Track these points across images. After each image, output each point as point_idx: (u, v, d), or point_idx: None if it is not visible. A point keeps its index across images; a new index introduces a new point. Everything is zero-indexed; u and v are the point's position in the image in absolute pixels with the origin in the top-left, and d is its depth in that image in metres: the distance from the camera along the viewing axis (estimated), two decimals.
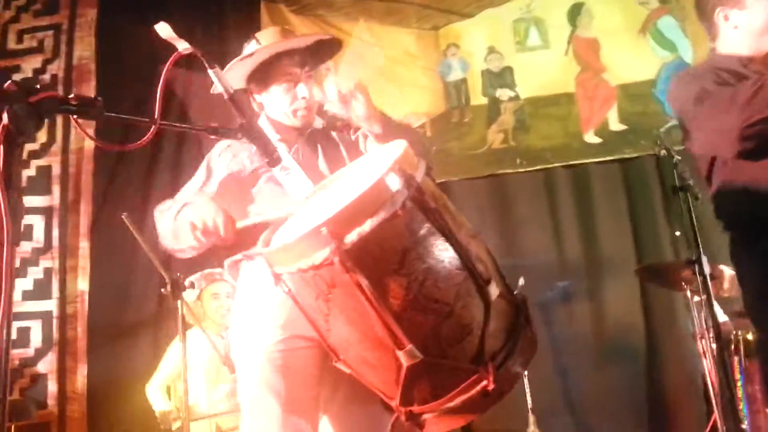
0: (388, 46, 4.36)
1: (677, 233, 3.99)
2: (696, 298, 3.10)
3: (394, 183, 1.27)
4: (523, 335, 1.39)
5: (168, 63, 1.40)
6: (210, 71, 1.46)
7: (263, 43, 1.93)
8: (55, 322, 4.23)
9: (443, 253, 1.30)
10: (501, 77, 4.30)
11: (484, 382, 1.31)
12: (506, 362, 1.35)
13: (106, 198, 4.37)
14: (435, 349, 1.30)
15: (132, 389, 3.89)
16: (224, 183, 1.87)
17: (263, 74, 1.92)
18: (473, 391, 1.31)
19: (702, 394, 3.54)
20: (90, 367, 4.11)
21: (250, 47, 1.91)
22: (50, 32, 4.77)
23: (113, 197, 4.36)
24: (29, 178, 4.42)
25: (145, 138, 1.34)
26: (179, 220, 1.76)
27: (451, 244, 1.31)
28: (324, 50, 1.98)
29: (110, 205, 4.35)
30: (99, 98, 1.20)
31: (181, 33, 4.57)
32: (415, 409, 1.37)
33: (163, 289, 2.71)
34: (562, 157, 4.14)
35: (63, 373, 4.16)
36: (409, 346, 1.28)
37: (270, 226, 1.76)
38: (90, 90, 4.55)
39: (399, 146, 1.39)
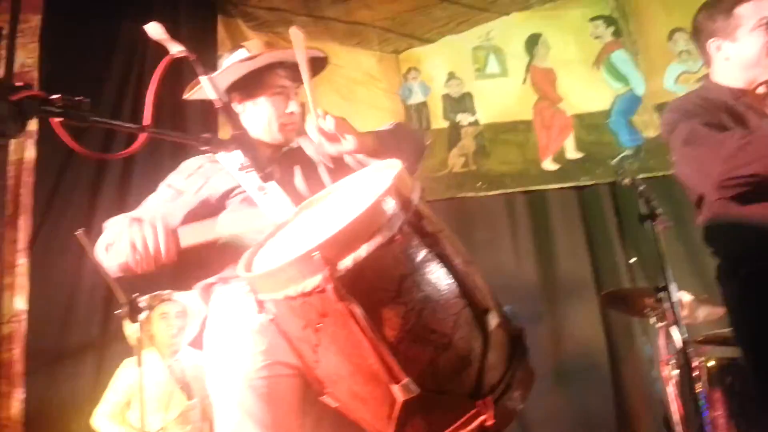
0: (350, 67, 4.33)
1: (632, 260, 4.09)
2: (658, 324, 3.16)
3: (391, 206, 1.22)
4: (521, 367, 1.35)
5: (161, 65, 1.34)
6: (202, 78, 1.40)
7: (254, 52, 1.85)
8: None
9: (441, 281, 1.25)
10: (461, 102, 4.33)
11: (483, 417, 1.26)
12: (504, 396, 1.30)
13: (48, 212, 4.14)
14: (432, 382, 1.24)
15: (73, 416, 3.67)
16: (193, 212, 1.76)
17: (253, 84, 1.84)
18: (471, 427, 1.26)
19: (661, 419, 3.60)
20: (28, 392, 3.84)
21: (238, 54, 1.83)
22: None
23: (55, 212, 4.14)
24: None
25: (134, 146, 1.26)
26: (118, 233, 1.65)
27: (449, 271, 1.26)
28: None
29: (52, 221, 4.13)
30: (86, 99, 1.12)
31: (132, 43, 4.39)
32: None
33: (118, 311, 2.55)
34: (520, 182, 4.18)
35: None
36: (405, 380, 1.21)
37: (219, 243, 1.69)
38: None
39: (394, 167, 1.33)
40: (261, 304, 1.32)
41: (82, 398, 3.73)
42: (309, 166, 1.86)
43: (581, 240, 4.15)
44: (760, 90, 1.97)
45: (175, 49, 1.41)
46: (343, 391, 1.32)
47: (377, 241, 1.18)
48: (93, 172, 4.22)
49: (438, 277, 1.25)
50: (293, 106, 1.84)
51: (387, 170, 1.37)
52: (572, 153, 4.26)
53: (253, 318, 1.59)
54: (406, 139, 1.87)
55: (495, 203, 4.19)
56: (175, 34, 4.59)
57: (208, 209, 1.77)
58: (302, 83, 1.85)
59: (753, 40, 1.95)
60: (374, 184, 1.36)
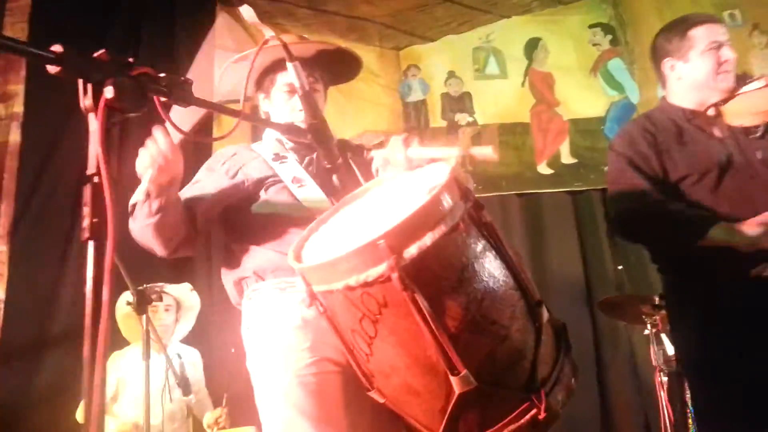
0: None
1: (619, 267, 4.14)
2: (646, 332, 3.19)
3: (453, 195, 1.20)
4: (567, 362, 1.33)
5: (257, 48, 1.34)
6: (289, 64, 1.39)
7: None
8: None
9: (498, 271, 1.23)
10: (460, 102, 4.33)
11: (534, 411, 1.23)
12: (554, 390, 1.28)
13: (31, 200, 3.99)
14: (488, 374, 1.20)
15: (50, 409, 3.54)
16: (225, 192, 1.72)
17: (266, 79, 1.81)
18: (522, 421, 1.23)
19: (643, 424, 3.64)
20: (1, 382, 3.68)
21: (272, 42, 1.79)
22: None
23: (40, 198, 3.99)
24: None
25: (230, 131, 1.24)
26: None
27: (505, 262, 1.24)
28: (336, 65, 1.87)
29: (35, 208, 3.98)
30: (189, 79, 1.08)
31: (126, 29, 4.28)
32: None
33: (126, 302, 2.46)
34: (515, 185, 4.19)
35: None
36: (465, 372, 1.18)
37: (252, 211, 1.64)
38: (19, 81, 4.18)
39: (449, 158, 1.31)
40: (313, 297, 1.27)
41: (59, 390, 3.60)
42: (345, 162, 1.83)
43: (573, 244, 4.17)
44: (710, 112, 2.08)
45: (268, 33, 1.41)
46: (396, 385, 1.28)
47: (441, 230, 1.15)
48: (81, 158, 4.06)
49: (496, 268, 1.22)
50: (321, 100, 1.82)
51: (442, 164, 1.34)
52: (567, 158, 4.29)
53: (293, 314, 1.56)
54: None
55: (490, 205, 4.14)
56: (172, 22, 4.51)
57: (243, 193, 1.72)
58: (324, 80, 1.84)
59: (704, 61, 2.07)
60: (425, 178, 1.33)
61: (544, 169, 4.27)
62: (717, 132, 2.08)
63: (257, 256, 1.67)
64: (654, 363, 3.01)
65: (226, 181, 1.74)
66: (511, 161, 4.24)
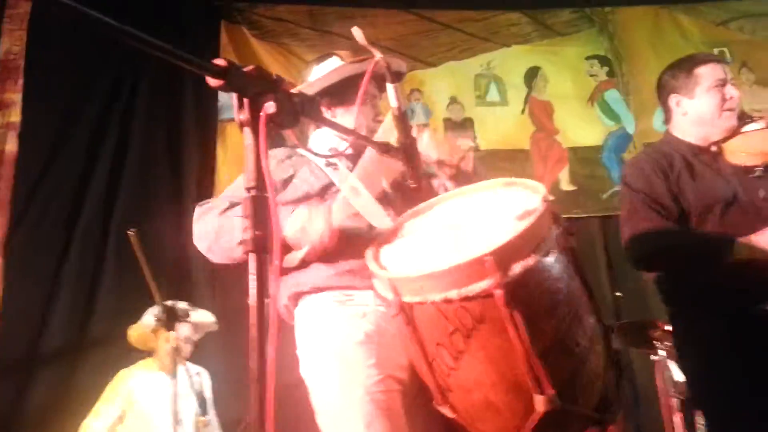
0: None
1: (617, 294, 4.20)
2: (654, 357, 3.25)
3: (549, 219, 1.23)
4: (621, 386, 1.37)
5: (368, 70, 1.37)
6: (389, 85, 1.42)
7: (346, 60, 1.84)
8: None
9: (582, 295, 1.27)
10: (462, 127, 4.39)
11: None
12: (616, 411, 1.31)
13: (27, 211, 3.89)
14: (569, 394, 1.23)
15: (42, 425, 3.42)
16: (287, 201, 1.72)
17: (345, 91, 1.81)
18: None
19: None
20: None
21: (332, 62, 1.80)
22: None
23: (36, 209, 3.90)
24: None
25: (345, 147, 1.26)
26: (224, 218, 1.64)
27: (585, 287, 1.27)
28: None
29: (31, 220, 3.88)
30: (318, 98, 1.09)
31: (131, 47, 4.25)
32: None
33: (154, 317, 2.41)
34: None
35: None
36: (552, 393, 1.20)
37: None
38: (17, 90, 4.10)
39: (529, 185, 1.35)
40: (401, 308, 1.27)
41: (53, 408, 3.50)
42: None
43: None
44: (713, 149, 2.16)
45: (378, 55, 1.48)
46: (475, 400, 1.29)
47: (543, 251, 1.19)
48: (80, 169, 4.01)
49: (581, 293, 1.26)
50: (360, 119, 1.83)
51: (511, 188, 1.37)
52: (567, 185, 4.38)
53: (355, 328, 1.55)
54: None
55: None
56: (178, 40, 4.51)
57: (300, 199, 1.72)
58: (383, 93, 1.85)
59: (708, 98, 2.14)
60: (503, 199, 1.36)
61: None
62: (722, 168, 2.14)
63: (313, 269, 1.66)
64: (662, 389, 3.05)
65: (285, 190, 1.74)
66: None
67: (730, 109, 2.13)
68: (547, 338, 1.19)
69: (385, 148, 1.48)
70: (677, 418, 2.88)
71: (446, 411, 1.34)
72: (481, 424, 1.31)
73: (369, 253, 1.39)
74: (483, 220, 1.36)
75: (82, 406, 3.26)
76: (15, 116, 4.04)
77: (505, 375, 1.22)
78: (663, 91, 2.26)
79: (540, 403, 1.20)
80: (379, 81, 1.85)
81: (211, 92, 4.24)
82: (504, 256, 1.15)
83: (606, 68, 4.63)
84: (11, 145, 3.98)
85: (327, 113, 1.82)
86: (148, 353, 3.24)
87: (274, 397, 0.87)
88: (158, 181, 4.11)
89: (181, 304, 2.74)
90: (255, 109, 0.97)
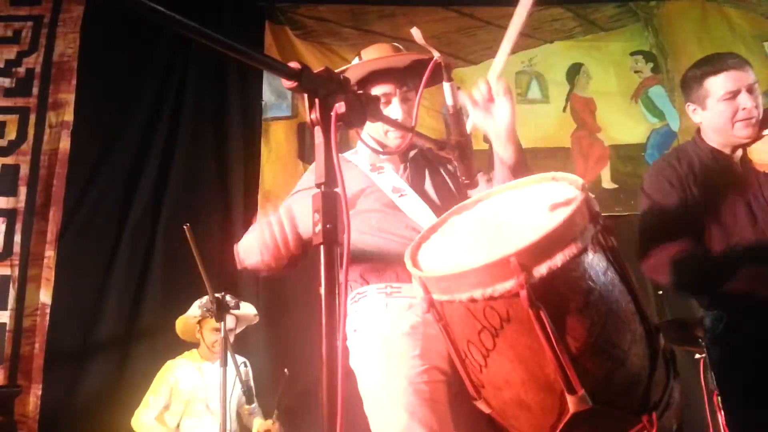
0: None
1: (659, 292, 4.14)
2: (697, 356, 3.20)
3: (584, 218, 1.23)
4: (676, 387, 1.36)
5: (427, 70, 1.42)
6: (445, 84, 1.46)
7: (364, 59, 1.87)
8: (7, 335, 3.84)
9: (622, 297, 1.26)
10: None
11: None
12: (665, 414, 1.30)
13: (79, 206, 4.06)
14: (603, 396, 1.24)
15: (93, 415, 3.57)
16: None
17: (361, 91, 1.87)
18: None
19: None
20: (45, 389, 3.73)
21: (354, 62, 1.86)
22: (29, 23, 4.47)
23: (88, 205, 4.06)
24: None
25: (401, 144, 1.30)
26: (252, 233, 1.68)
27: (628, 288, 1.28)
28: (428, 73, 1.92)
29: (83, 215, 4.05)
30: (379, 97, 1.14)
31: (174, 40, 4.35)
32: None
33: (201, 307, 2.51)
34: None
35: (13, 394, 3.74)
36: (582, 392, 1.21)
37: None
38: (70, 90, 4.27)
39: (572, 180, 1.35)
40: (432, 305, 1.30)
41: (103, 398, 3.65)
42: (436, 171, 1.88)
43: None
44: (738, 153, 2.13)
45: (436, 54, 1.55)
46: (507, 398, 1.31)
47: (571, 252, 1.18)
48: (129, 167, 4.15)
49: (620, 293, 1.26)
50: (396, 112, 1.84)
51: (558, 183, 1.37)
52: (608, 183, 4.33)
53: (401, 320, 1.60)
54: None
55: None
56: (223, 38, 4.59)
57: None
58: (416, 89, 1.87)
59: (720, 110, 2.10)
60: (544, 195, 1.36)
61: None
62: (741, 174, 2.11)
63: (360, 260, 1.72)
64: (707, 386, 3.01)
65: None
66: None
67: (744, 120, 2.08)
68: (578, 339, 1.19)
69: (441, 145, 1.51)
70: (720, 417, 2.83)
71: (482, 406, 1.37)
72: (515, 421, 1.33)
73: (408, 249, 1.42)
74: (521, 216, 1.37)
75: (132, 395, 3.40)
76: (68, 116, 4.21)
77: (535, 374, 1.23)
78: (684, 96, 2.25)
79: (571, 403, 1.21)
80: (414, 78, 1.89)
81: (255, 92, 4.35)
82: (528, 256, 1.15)
83: (651, 64, 4.54)
84: (64, 144, 4.15)
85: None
86: (194, 344, 3.35)
87: (342, 383, 0.90)
88: (205, 178, 4.23)
89: (229, 297, 2.83)
90: (325, 109, 1.02)
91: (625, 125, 4.42)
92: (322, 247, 0.95)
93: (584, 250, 1.20)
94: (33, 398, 3.73)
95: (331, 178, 0.98)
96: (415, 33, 1.56)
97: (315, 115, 1.00)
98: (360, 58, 1.89)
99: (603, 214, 4.24)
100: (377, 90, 1.84)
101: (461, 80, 4.47)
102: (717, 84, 2.10)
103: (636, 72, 4.53)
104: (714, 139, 2.16)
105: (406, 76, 1.84)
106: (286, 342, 3.70)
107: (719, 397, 2.93)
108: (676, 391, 1.37)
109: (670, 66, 4.54)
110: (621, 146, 4.39)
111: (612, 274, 1.25)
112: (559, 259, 1.18)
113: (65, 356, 3.79)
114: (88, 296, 3.91)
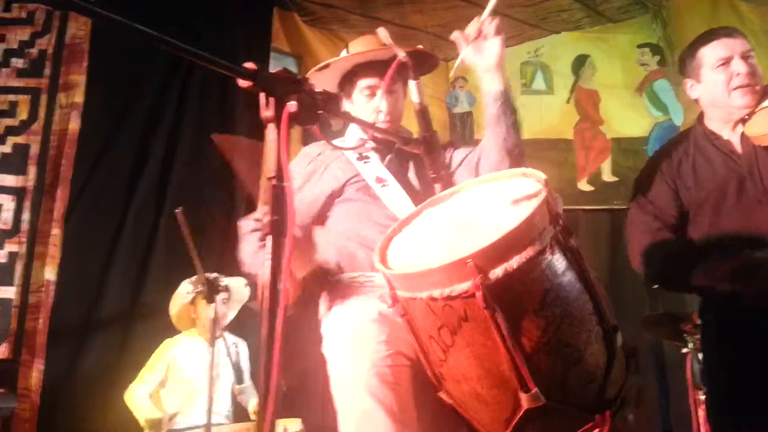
0: None
1: (654, 286, 4.16)
2: (684, 350, 3.24)
3: (543, 219, 1.27)
4: (634, 385, 1.40)
5: (390, 69, 1.47)
6: (411, 82, 1.52)
7: (351, 51, 1.92)
8: (13, 310, 3.95)
9: (579, 297, 1.30)
10: None
11: (598, 431, 1.31)
12: (620, 411, 1.35)
13: (86, 186, 4.14)
14: (557, 393, 1.28)
15: (94, 390, 3.68)
16: (316, 205, 1.84)
17: (348, 83, 1.91)
18: None
19: None
20: (48, 363, 3.84)
21: (342, 55, 1.91)
22: (41, 5, 4.53)
23: (95, 185, 4.14)
24: (4, 155, 4.15)
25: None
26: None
27: (586, 288, 1.31)
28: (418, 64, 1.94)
29: (90, 195, 4.13)
30: (339, 95, 1.20)
31: (187, 35, 4.39)
32: None
33: (197, 289, 2.59)
34: None
35: (16, 367, 3.87)
36: (534, 390, 1.26)
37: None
38: (81, 72, 4.33)
39: (535, 176, 1.38)
40: (396, 300, 1.35)
41: (105, 374, 3.75)
42: (420, 162, 1.92)
43: (606, 262, 4.23)
44: (738, 129, 2.04)
45: (401, 54, 1.56)
46: (465, 391, 1.36)
47: (528, 253, 1.22)
48: (138, 150, 4.22)
49: (577, 293, 1.29)
50: (381, 104, 1.87)
51: (526, 179, 1.41)
52: (608, 176, 4.34)
53: (371, 307, 1.66)
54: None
55: None
56: (231, 25, 4.61)
57: (332, 198, 1.83)
58: (404, 80, 1.89)
59: (714, 79, 2.03)
60: (512, 192, 1.40)
61: (584, 186, 4.32)
62: (738, 152, 2.04)
63: (338, 247, 1.78)
64: (690, 382, 3.05)
65: (314, 189, 1.84)
66: (551, 177, 4.21)
67: (739, 87, 2.00)
68: (532, 338, 1.23)
69: (405, 141, 1.56)
70: (701, 412, 2.87)
71: (444, 397, 1.42)
72: (474, 413, 1.39)
73: (379, 243, 1.47)
74: (487, 214, 1.41)
75: (133, 371, 3.51)
76: (79, 97, 4.27)
77: (490, 371, 1.28)
78: (682, 76, 2.20)
79: (524, 400, 1.26)
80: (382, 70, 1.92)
81: None
82: (485, 259, 1.19)
83: (657, 57, 4.52)
84: (74, 124, 4.22)
85: (347, 105, 1.92)
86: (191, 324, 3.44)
87: (280, 364, 0.97)
88: (210, 160, 4.29)
89: (221, 277, 2.91)
90: (279, 108, 1.07)
91: (628, 118, 4.42)
92: (270, 237, 1.01)
93: (542, 252, 1.24)
94: (36, 372, 3.82)
95: (280, 174, 1.04)
96: (381, 32, 1.60)
97: (270, 112, 1.05)
98: (347, 51, 1.94)
99: (603, 207, 4.30)
100: (363, 82, 1.89)
101: (467, 69, 4.47)
102: (709, 52, 2.05)
103: (642, 65, 4.52)
104: (714, 116, 2.09)
105: (403, 66, 1.87)
106: (287, 323, 3.77)
107: (703, 394, 2.97)
108: (634, 387, 1.41)
109: (677, 59, 4.50)
110: (623, 139, 4.40)
111: (570, 275, 1.29)
112: (515, 261, 1.22)
113: (68, 332, 3.88)
114: (92, 275, 3.99)
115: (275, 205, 1.03)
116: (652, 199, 2.10)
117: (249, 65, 1.03)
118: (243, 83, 1.04)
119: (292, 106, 1.06)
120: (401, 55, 1.57)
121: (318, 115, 1.13)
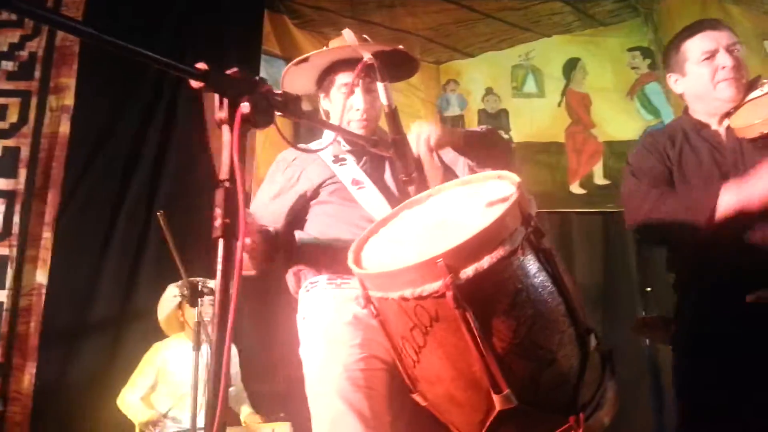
0: None
1: (647, 289, 4.16)
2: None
3: (515, 220, 1.26)
4: (610, 387, 1.40)
5: (357, 70, 1.47)
6: (379, 84, 1.51)
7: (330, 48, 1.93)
8: (4, 314, 3.94)
9: (551, 298, 1.29)
10: (496, 119, 4.39)
11: None
12: (595, 413, 1.35)
13: (77, 190, 4.14)
14: (530, 395, 1.28)
15: (85, 393, 3.67)
16: (292, 207, 1.84)
17: (326, 80, 1.91)
18: None
19: None
20: (40, 366, 3.83)
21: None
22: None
23: (86, 189, 4.14)
24: None
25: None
26: None
27: (559, 289, 1.31)
28: (393, 65, 1.93)
29: (80, 198, 4.13)
30: (300, 96, 1.19)
31: (175, 33, 4.38)
32: None
33: (182, 292, 2.58)
34: (547, 204, 4.23)
35: (8, 371, 3.86)
36: (507, 391, 1.25)
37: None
38: (71, 75, 4.34)
39: (509, 178, 1.38)
40: (369, 301, 1.35)
41: (96, 377, 3.74)
42: (396, 163, 1.91)
43: (599, 265, 4.23)
44: (725, 123, 2.00)
45: (366, 55, 1.56)
46: (438, 393, 1.36)
47: (499, 254, 1.22)
48: (128, 153, 4.22)
49: (549, 295, 1.29)
50: (358, 102, 1.86)
51: (501, 181, 1.41)
52: (600, 179, 4.34)
53: (346, 310, 1.66)
54: (497, 145, 1.91)
55: None
56: (222, 28, 4.60)
57: (306, 200, 1.83)
58: (383, 80, 1.89)
59: (699, 73, 2.02)
60: (486, 194, 1.40)
61: (576, 189, 4.32)
62: (725, 144, 2.01)
63: (316, 250, 1.77)
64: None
65: (290, 192, 1.84)
66: (544, 180, 4.29)
67: (724, 80, 1.98)
68: (504, 339, 1.23)
69: (374, 143, 1.55)
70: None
71: (419, 399, 1.42)
72: (449, 415, 1.38)
73: (354, 244, 1.47)
74: (461, 215, 1.41)
75: (124, 374, 3.50)
76: (69, 100, 4.28)
77: (463, 372, 1.27)
78: (667, 71, 2.16)
79: (497, 401, 1.25)
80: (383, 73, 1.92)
81: None
82: (455, 258, 1.19)
83: (648, 60, 4.53)
84: (64, 127, 4.22)
85: (324, 104, 1.93)
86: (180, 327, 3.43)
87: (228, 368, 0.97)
88: (200, 163, 4.29)
89: (207, 280, 2.90)
90: (232, 109, 1.06)
91: (619, 121, 4.42)
92: (220, 240, 1.00)
93: (513, 253, 1.24)
94: (28, 376, 3.83)
95: (233, 176, 1.03)
96: (347, 34, 1.60)
97: (223, 114, 1.04)
98: (327, 48, 1.94)
99: (595, 210, 4.27)
100: (341, 78, 1.89)
101: (458, 73, 4.50)
102: (693, 46, 2.03)
103: (633, 68, 4.52)
104: (699, 109, 2.07)
105: (370, 67, 1.87)
106: (276, 328, 3.76)
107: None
108: (611, 390, 1.41)
109: None
110: (615, 142, 4.39)
111: (542, 276, 1.29)
112: (486, 261, 1.21)
113: (60, 335, 3.88)
114: (83, 278, 3.99)
115: (227, 207, 1.01)
116: (645, 170, 2.06)
117: (200, 65, 1.02)
118: (195, 84, 1.03)
119: (245, 107, 1.05)
120: (366, 57, 1.56)
121: (272, 118, 1.11)
